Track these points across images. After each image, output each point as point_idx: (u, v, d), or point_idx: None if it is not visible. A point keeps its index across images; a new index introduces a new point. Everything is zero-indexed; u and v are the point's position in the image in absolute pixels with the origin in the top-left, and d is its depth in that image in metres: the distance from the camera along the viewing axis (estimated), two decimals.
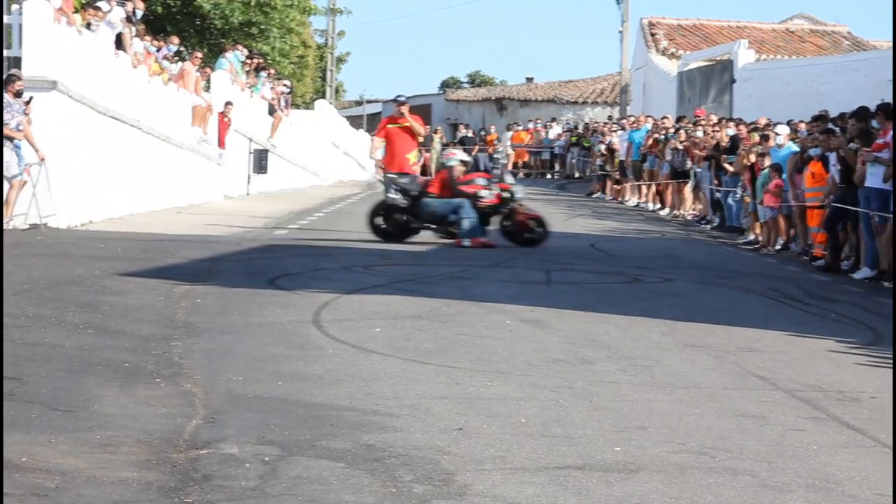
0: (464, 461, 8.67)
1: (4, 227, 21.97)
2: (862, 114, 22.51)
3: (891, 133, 20.81)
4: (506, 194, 23.83)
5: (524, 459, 8.81)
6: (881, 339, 15.16)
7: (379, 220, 24.07)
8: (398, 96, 26.64)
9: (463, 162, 24.81)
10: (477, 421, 9.87)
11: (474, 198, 23.51)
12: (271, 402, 10.31)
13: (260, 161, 39.01)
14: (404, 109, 25.85)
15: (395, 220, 23.97)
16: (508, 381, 11.53)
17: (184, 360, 11.92)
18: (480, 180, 24.47)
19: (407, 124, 25.56)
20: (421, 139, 26.56)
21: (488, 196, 23.53)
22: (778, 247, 25.65)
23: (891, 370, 13.15)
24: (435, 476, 8.30)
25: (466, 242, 23.11)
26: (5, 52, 24.30)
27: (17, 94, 22.49)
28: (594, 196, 44.76)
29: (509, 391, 11.09)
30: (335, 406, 10.20)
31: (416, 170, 26.16)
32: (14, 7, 24.46)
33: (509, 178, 25.22)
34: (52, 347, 12.06)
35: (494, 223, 23.88)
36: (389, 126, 25.86)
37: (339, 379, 11.30)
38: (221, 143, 35.42)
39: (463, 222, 23.31)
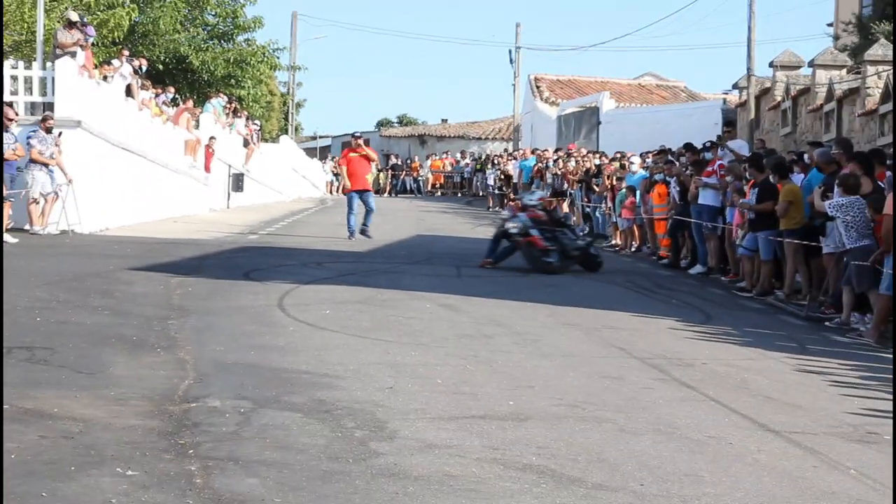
0: (394, 412, 8.67)
1: (42, 233, 21.87)
2: (690, 148, 22.85)
3: (717, 163, 21.08)
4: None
5: (440, 411, 8.81)
6: (710, 319, 15.28)
7: None
8: (356, 132, 26.84)
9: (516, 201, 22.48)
10: (404, 382, 9.86)
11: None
12: (245, 367, 10.27)
13: (237, 182, 38.72)
14: (361, 141, 25.90)
15: None
16: (428, 351, 11.53)
17: (178, 334, 11.85)
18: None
19: (364, 153, 25.61)
20: (375, 164, 26.69)
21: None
22: (633, 249, 25.81)
23: (718, 343, 13.28)
24: (372, 423, 8.29)
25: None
26: (43, 100, 24.13)
27: (49, 130, 22.34)
28: (491, 210, 44.76)
29: (429, 359, 11.09)
30: (294, 370, 10.17)
31: (371, 187, 26.27)
32: (48, 64, 24.27)
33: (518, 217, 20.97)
34: (77, 325, 11.97)
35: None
36: (350, 154, 25.91)
37: (298, 349, 11.26)
38: (207, 169, 35.16)
39: None
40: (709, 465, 7.68)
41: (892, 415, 9.29)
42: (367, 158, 25.67)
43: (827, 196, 15.53)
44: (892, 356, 12.43)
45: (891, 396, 10.05)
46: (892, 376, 11.03)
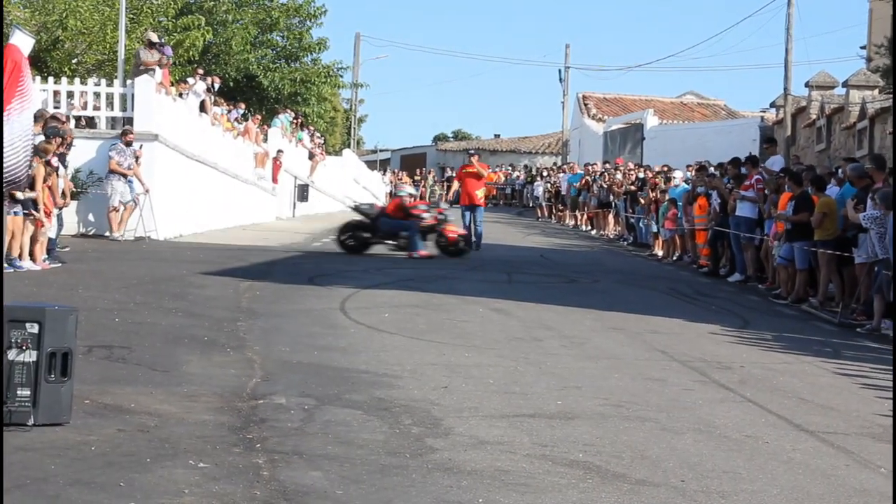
0: (448, 410, 8.67)
1: (120, 239, 22.01)
2: (734, 162, 22.64)
3: (755, 176, 20.93)
4: (440, 216, 22.60)
5: (492, 409, 8.80)
6: (748, 324, 15.18)
7: (345, 238, 22.39)
8: (469, 150, 26.54)
9: (410, 194, 23.88)
10: (458, 381, 9.86)
11: (418, 219, 22.13)
12: (309, 366, 10.31)
13: (302, 192, 38.84)
14: (474, 159, 25.70)
15: (358, 236, 22.30)
16: (481, 353, 11.53)
17: (246, 335, 11.91)
18: (423, 206, 23.17)
19: (473, 171, 25.37)
20: (487, 179, 26.24)
21: (428, 217, 22.27)
22: (674, 258, 25.66)
23: (755, 347, 13.17)
24: (427, 421, 8.30)
25: (416, 254, 21.76)
26: (122, 115, 24.31)
27: (128, 144, 22.52)
28: (541, 220, 44.65)
29: (481, 360, 11.09)
30: (355, 370, 10.19)
31: (483, 202, 25.74)
32: (128, 82, 24.46)
33: (444, 205, 23.91)
34: (153, 325, 12.06)
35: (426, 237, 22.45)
36: (463, 171, 25.83)
37: (358, 350, 11.29)
38: (275, 180, 35.31)
39: (412, 238, 21.92)
40: (746, 462, 7.63)
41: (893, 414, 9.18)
42: (477, 175, 25.47)
43: (858, 209, 15.46)
44: None
45: None
46: None
